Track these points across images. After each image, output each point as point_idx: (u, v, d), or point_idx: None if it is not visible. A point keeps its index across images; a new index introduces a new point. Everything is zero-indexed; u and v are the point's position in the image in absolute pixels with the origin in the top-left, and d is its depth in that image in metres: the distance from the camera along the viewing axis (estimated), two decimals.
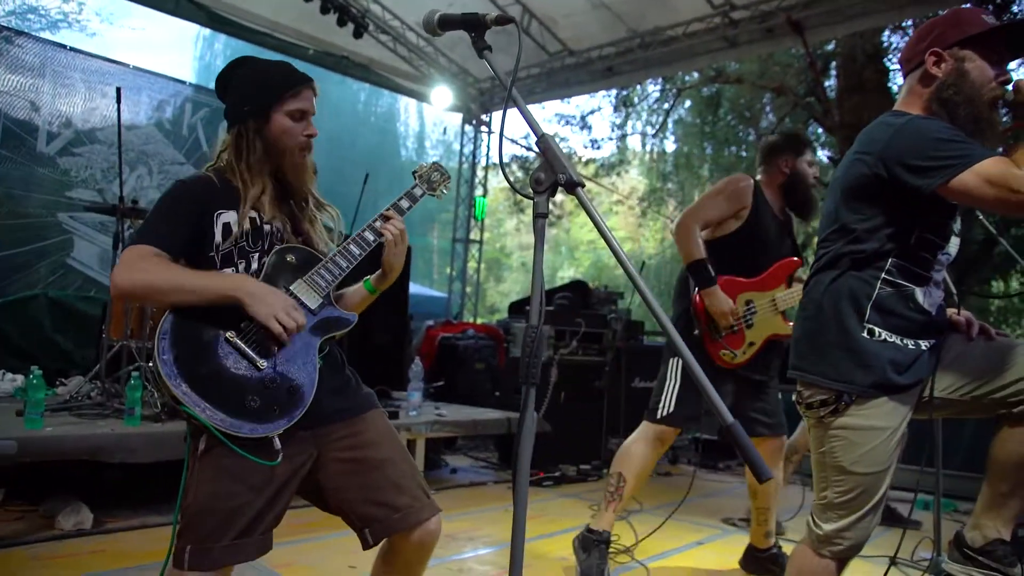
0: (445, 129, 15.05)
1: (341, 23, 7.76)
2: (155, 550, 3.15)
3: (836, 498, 1.95)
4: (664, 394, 3.21)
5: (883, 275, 1.92)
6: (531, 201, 1.39)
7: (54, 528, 3.32)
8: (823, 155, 14.45)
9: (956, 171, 1.76)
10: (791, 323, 3.22)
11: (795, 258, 3.32)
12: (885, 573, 2.47)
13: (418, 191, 2.06)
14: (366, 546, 1.82)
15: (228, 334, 1.68)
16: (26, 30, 9.06)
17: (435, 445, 5.34)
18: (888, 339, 1.91)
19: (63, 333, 5.51)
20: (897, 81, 12.80)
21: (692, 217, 3.19)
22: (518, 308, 7.55)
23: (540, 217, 1.37)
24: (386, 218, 1.93)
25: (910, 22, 11.25)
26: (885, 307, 1.91)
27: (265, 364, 1.69)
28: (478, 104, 10.06)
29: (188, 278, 1.69)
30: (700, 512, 4.41)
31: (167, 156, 7.36)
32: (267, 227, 1.85)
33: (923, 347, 1.93)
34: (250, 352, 1.68)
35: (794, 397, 2.06)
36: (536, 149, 1.44)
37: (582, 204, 1.31)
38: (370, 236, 1.90)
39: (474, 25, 1.62)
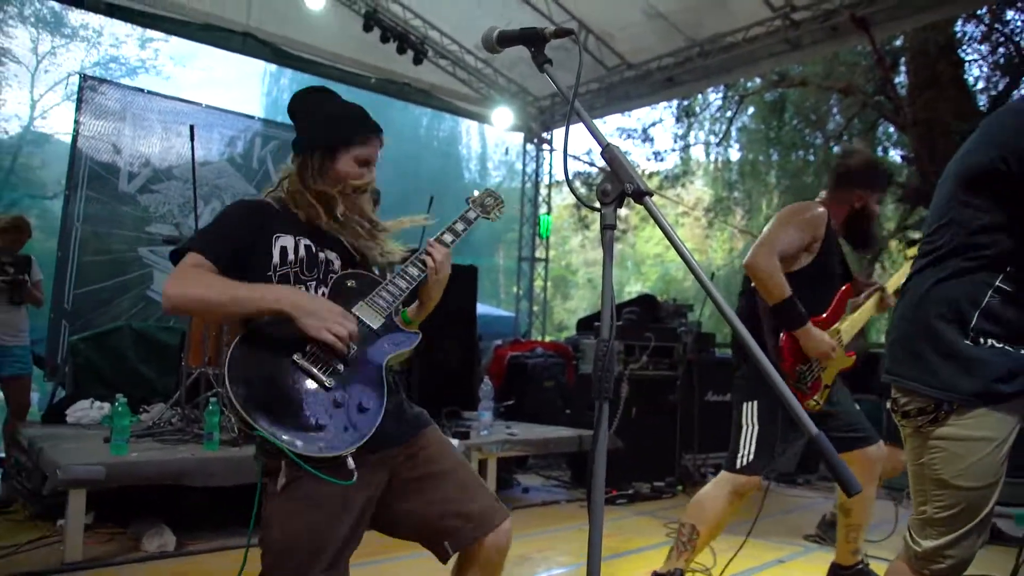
0: (507, 149, 15.16)
1: (401, 51, 7.94)
2: (234, 569, 3.21)
3: (936, 513, 1.83)
4: (742, 441, 2.96)
5: (997, 282, 1.78)
6: (597, 215, 1.37)
7: (139, 550, 3.44)
8: (896, 155, 13.97)
9: None
10: (852, 354, 3.06)
11: (849, 283, 3.12)
12: None
13: (472, 214, 2.11)
14: (445, 559, 1.85)
15: (295, 356, 1.69)
16: (108, 78, 9.54)
17: (506, 464, 5.32)
18: (995, 345, 1.78)
19: (146, 362, 5.73)
20: (974, 72, 12.28)
21: (769, 248, 2.84)
22: (586, 324, 7.50)
23: (608, 228, 1.35)
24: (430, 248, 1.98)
25: (985, 9, 10.79)
26: (994, 313, 1.78)
27: (333, 383, 1.70)
28: (538, 123, 10.09)
29: (238, 290, 1.69)
30: (780, 530, 4.25)
31: (239, 189, 7.63)
32: (321, 255, 1.88)
33: None
34: (318, 373, 1.69)
35: (889, 404, 1.94)
36: (602, 160, 1.41)
37: (650, 212, 1.27)
38: (421, 264, 1.95)
39: (533, 40, 1.61)
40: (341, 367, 1.72)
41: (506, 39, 1.67)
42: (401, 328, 1.90)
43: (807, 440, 1.09)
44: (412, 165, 12.33)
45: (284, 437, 1.60)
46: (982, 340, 1.77)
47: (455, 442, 4.36)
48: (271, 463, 1.69)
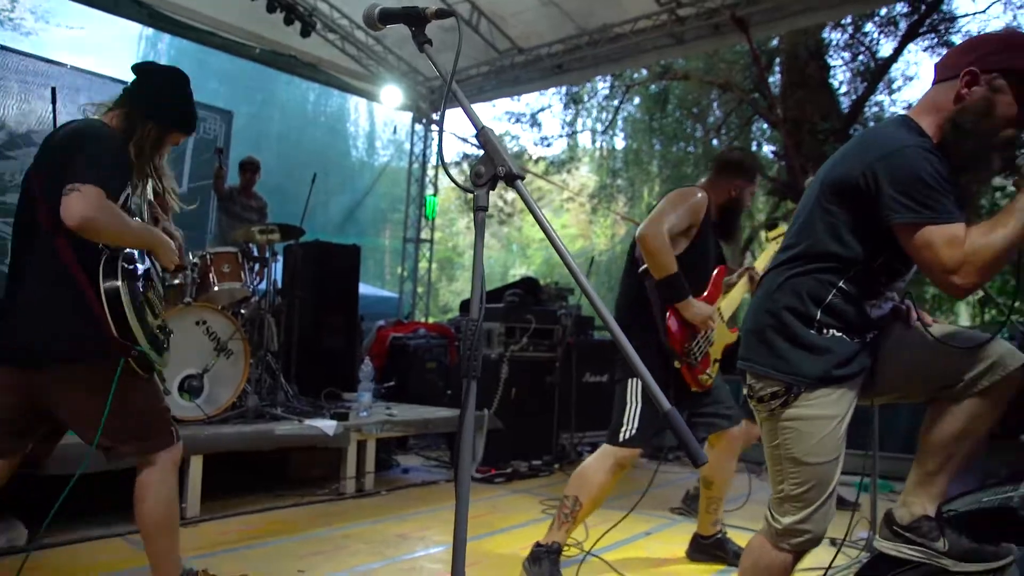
0: (396, 128, 14.93)
1: (288, 22, 7.63)
2: (93, 564, 3.07)
3: (792, 490, 1.98)
4: (627, 416, 3.08)
5: (840, 283, 1.94)
6: (472, 193, 1.39)
7: None
8: (768, 150, 14.76)
9: (916, 220, 1.77)
10: (735, 330, 3.26)
11: (722, 265, 3.32)
12: (834, 557, 2.53)
13: None
14: None
15: None
16: None
17: (386, 445, 5.30)
18: (836, 334, 1.95)
19: None
20: (838, 76, 13.13)
21: (661, 223, 2.99)
22: (469, 307, 7.55)
23: (480, 210, 1.37)
24: None
25: (849, 19, 11.57)
26: (835, 311, 1.95)
27: None
28: (428, 103, 10.00)
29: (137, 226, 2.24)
30: (648, 503, 4.40)
31: None
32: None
33: (867, 339, 1.99)
34: None
35: (744, 390, 2.08)
36: (477, 142, 1.43)
37: (521, 196, 1.31)
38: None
39: (414, 19, 1.60)
40: None
41: (387, 16, 1.65)
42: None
43: (662, 414, 1.16)
44: (297, 140, 11.93)
45: None
46: (824, 331, 1.95)
47: (331, 423, 4.31)
48: None
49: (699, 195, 3.17)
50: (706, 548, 3.44)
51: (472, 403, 1.31)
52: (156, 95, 2.34)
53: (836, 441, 1.95)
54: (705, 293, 3.18)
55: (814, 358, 1.94)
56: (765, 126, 14.08)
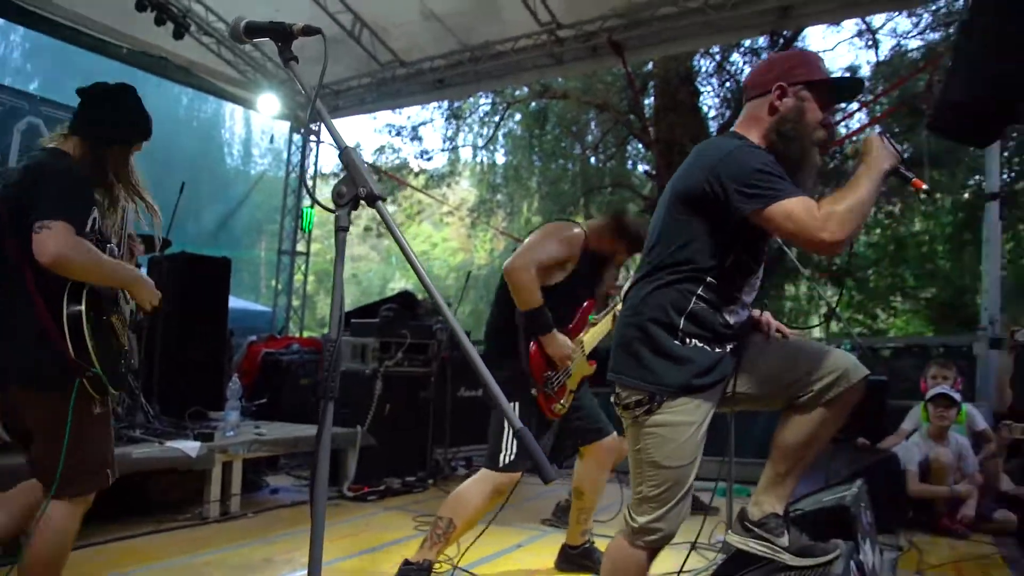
0: (273, 137, 14.47)
1: (159, 22, 7.19)
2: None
3: (650, 492, 2.09)
4: (504, 442, 3.09)
5: (699, 291, 2.07)
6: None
7: None
8: (642, 169, 15.37)
9: (767, 202, 1.92)
10: (594, 363, 3.34)
11: (592, 299, 3.39)
12: (686, 558, 2.66)
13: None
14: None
15: None
16: None
17: (255, 465, 5.10)
18: (698, 344, 2.07)
19: None
20: (706, 102, 13.87)
21: (528, 259, 3.06)
22: (345, 321, 7.42)
23: (341, 231, 1.37)
24: None
25: (717, 49, 12.27)
26: (697, 319, 2.06)
27: None
28: (306, 113, 9.77)
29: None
30: (520, 516, 4.51)
31: None
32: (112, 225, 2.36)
33: (727, 349, 2.12)
34: None
35: (612, 399, 2.17)
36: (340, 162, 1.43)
37: (382, 218, 1.31)
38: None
39: (280, 34, 1.59)
40: None
41: (253, 30, 1.63)
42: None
43: (514, 433, 1.19)
44: (168, 147, 11.31)
45: None
46: (687, 340, 2.07)
47: (195, 444, 4.12)
48: None
49: (576, 230, 3.24)
50: (574, 558, 3.51)
51: (329, 424, 1.30)
52: (113, 118, 2.37)
53: (694, 446, 2.07)
54: (571, 325, 3.26)
55: (677, 368, 2.05)
56: (640, 146, 14.66)
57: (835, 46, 12.83)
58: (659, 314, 2.08)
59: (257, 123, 14.95)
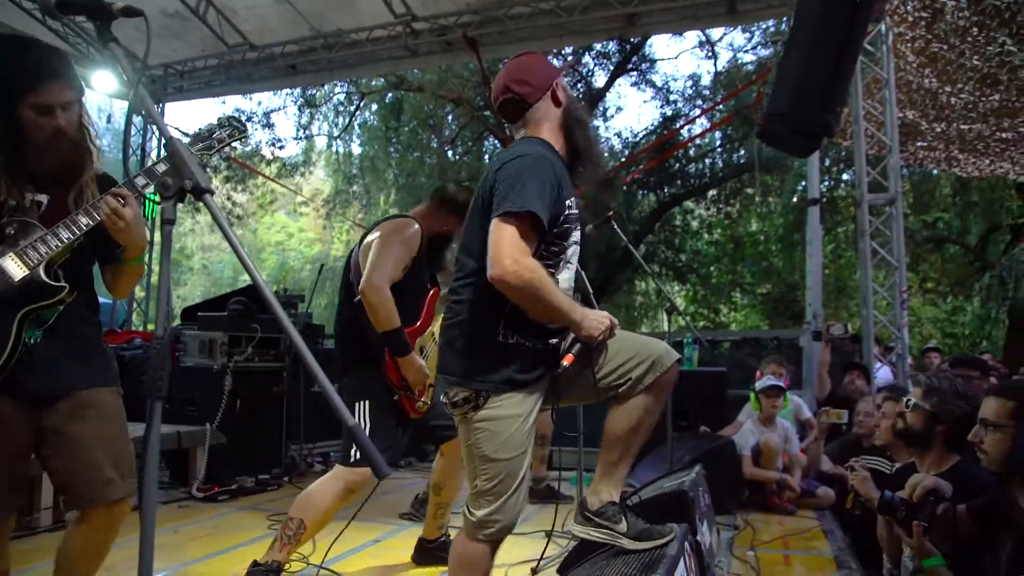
0: (110, 117, 13.50)
1: None
2: None
3: (484, 485, 2.15)
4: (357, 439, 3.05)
5: None
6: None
7: None
8: None
9: (507, 210, 2.03)
10: None
11: (435, 287, 3.45)
12: (545, 547, 2.76)
13: (198, 148, 2.13)
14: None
15: None
16: None
17: None
18: (520, 342, 2.14)
19: None
20: None
21: (383, 275, 3.05)
22: (190, 314, 7.05)
23: (167, 223, 1.32)
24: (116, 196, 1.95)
25: (569, 50, 12.63)
26: (516, 316, 2.12)
27: None
28: (150, 92, 9.16)
29: None
30: (377, 511, 4.46)
31: None
32: (9, 200, 1.91)
33: (551, 344, 2.19)
34: None
35: (441, 397, 2.21)
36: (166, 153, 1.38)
37: (210, 210, 1.28)
38: (91, 213, 1.93)
39: (98, 13, 1.49)
40: None
41: (67, 5, 1.52)
42: (46, 281, 1.90)
43: (347, 428, 1.21)
44: None
45: None
46: (509, 338, 2.14)
47: None
48: None
49: (414, 227, 3.25)
50: (430, 551, 3.54)
51: (157, 425, 1.26)
52: None
53: (522, 438, 2.14)
54: (418, 323, 3.27)
55: (499, 365, 2.12)
56: (496, 142, 14.85)
57: (678, 55, 13.55)
58: (479, 314, 2.16)
59: (93, 101, 13.89)
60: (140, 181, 1.99)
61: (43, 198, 1.97)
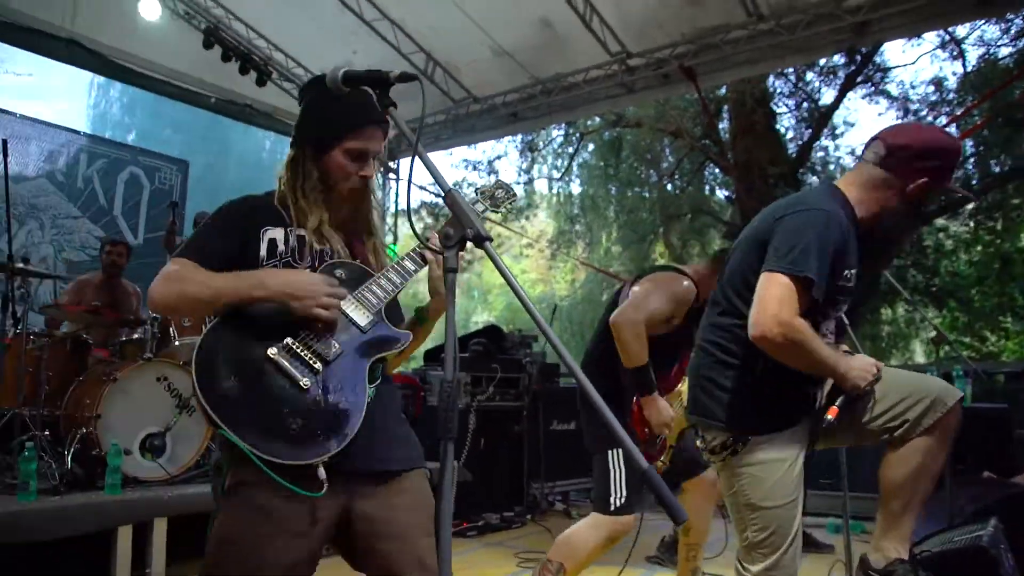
0: None
1: (243, 71, 7.63)
2: None
3: (755, 536, 2.02)
4: (612, 486, 3.00)
5: None
6: (438, 253, 1.39)
7: None
8: (721, 195, 15.10)
9: (781, 269, 1.93)
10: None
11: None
12: None
13: (479, 207, 2.03)
14: None
15: (271, 351, 1.58)
16: None
17: None
18: (782, 386, 2.02)
19: None
20: (784, 123, 13.57)
21: (641, 313, 2.97)
22: (433, 356, 7.49)
23: (450, 271, 1.37)
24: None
25: (792, 69, 12.03)
26: (775, 360, 1.98)
27: (310, 383, 1.57)
28: (385, 152, 10.02)
29: (217, 281, 1.61)
30: (623, 553, 4.39)
31: (61, 210, 7.05)
32: (317, 246, 1.78)
33: (812, 381, 2.04)
34: (293, 370, 1.57)
35: (697, 443, 2.12)
36: (445, 204, 1.44)
37: (490, 257, 1.31)
38: (420, 257, 1.84)
39: (378, 82, 1.61)
40: (319, 365, 1.59)
41: (351, 79, 1.65)
42: (390, 327, 1.77)
43: (640, 473, 1.16)
44: (254, 190, 11.70)
45: (247, 438, 1.45)
46: (770, 384, 2.02)
47: None
48: (234, 453, 1.51)
49: (685, 284, 3.12)
50: None
51: (450, 463, 1.29)
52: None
53: (791, 484, 1.99)
54: (670, 374, 3.20)
55: (759, 409, 2.01)
56: (717, 171, 14.43)
57: (917, 59, 12.35)
58: (738, 356, 2.05)
59: None
60: (449, 230, 1.96)
61: (332, 247, 1.83)
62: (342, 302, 1.69)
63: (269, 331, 1.60)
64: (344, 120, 1.82)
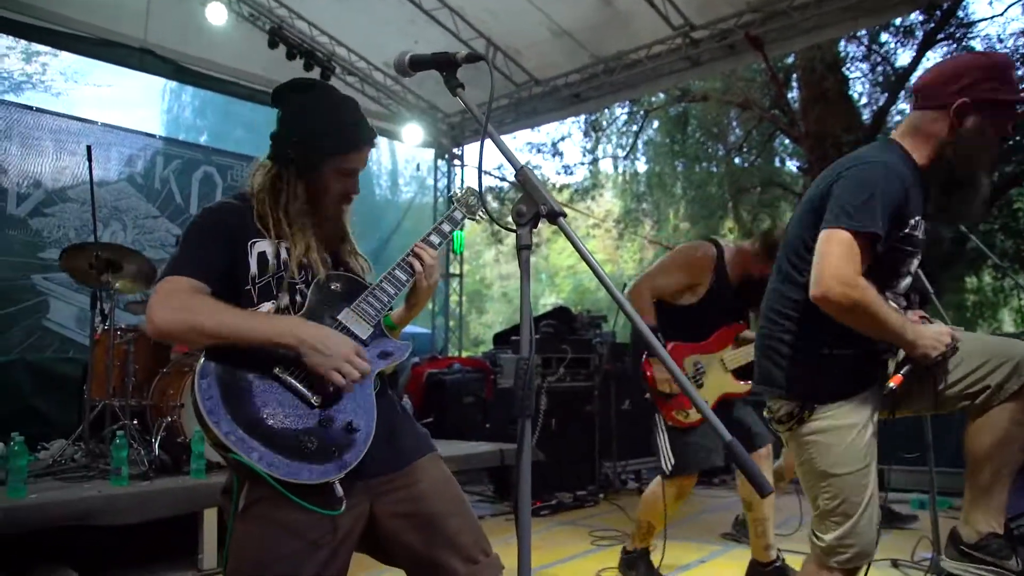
0: (418, 165, 15.04)
1: (308, 68, 7.82)
2: None
3: (827, 504, 1.97)
4: (661, 448, 3.24)
5: None
6: (512, 232, 1.40)
7: None
8: (792, 165, 14.66)
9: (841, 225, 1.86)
10: (743, 382, 3.29)
11: (740, 322, 3.37)
12: None
13: (458, 214, 2.06)
14: None
15: (277, 369, 1.58)
16: None
17: None
18: (847, 351, 1.96)
19: (42, 396, 5.42)
20: (857, 88, 13.05)
21: (646, 283, 3.26)
22: (503, 339, 7.53)
23: (524, 249, 1.38)
24: (419, 251, 1.89)
25: (864, 32, 11.54)
26: (840, 327, 1.92)
27: (319, 401, 1.59)
28: (449, 138, 10.11)
29: (236, 319, 1.56)
30: (699, 530, 4.38)
31: (141, 210, 7.33)
32: (306, 259, 1.75)
33: (879, 347, 1.98)
34: (302, 389, 1.58)
35: (764, 413, 2.09)
36: (516, 181, 1.44)
37: (565, 233, 1.31)
38: (408, 267, 1.86)
39: (445, 64, 1.62)
40: (330, 385, 1.60)
41: (418, 63, 1.67)
42: (388, 339, 1.79)
43: (723, 445, 1.15)
44: None
45: (267, 458, 1.46)
46: (836, 348, 1.96)
47: None
48: (246, 472, 1.52)
49: (700, 253, 3.28)
50: (766, 575, 3.35)
51: (528, 441, 1.31)
52: None
53: (862, 449, 1.94)
54: (703, 342, 3.29)
55: (825, 375, 1.96)
56: (787, 142, 14.01)
57: (1005, 9, 11.58)
58: (802, 322, 2.00)
59: (402, 153, 15.62)
60: (434, 239, 1.96)
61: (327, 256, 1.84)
62: (341, 314, 1.71)
63: (271, 351, 1.59)
64: (338, 140, 1.78)
